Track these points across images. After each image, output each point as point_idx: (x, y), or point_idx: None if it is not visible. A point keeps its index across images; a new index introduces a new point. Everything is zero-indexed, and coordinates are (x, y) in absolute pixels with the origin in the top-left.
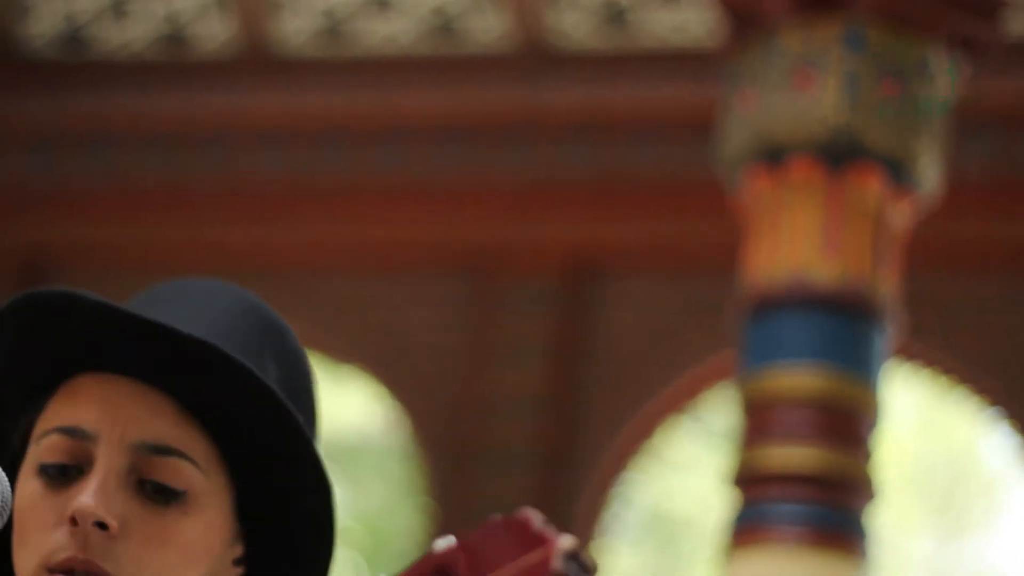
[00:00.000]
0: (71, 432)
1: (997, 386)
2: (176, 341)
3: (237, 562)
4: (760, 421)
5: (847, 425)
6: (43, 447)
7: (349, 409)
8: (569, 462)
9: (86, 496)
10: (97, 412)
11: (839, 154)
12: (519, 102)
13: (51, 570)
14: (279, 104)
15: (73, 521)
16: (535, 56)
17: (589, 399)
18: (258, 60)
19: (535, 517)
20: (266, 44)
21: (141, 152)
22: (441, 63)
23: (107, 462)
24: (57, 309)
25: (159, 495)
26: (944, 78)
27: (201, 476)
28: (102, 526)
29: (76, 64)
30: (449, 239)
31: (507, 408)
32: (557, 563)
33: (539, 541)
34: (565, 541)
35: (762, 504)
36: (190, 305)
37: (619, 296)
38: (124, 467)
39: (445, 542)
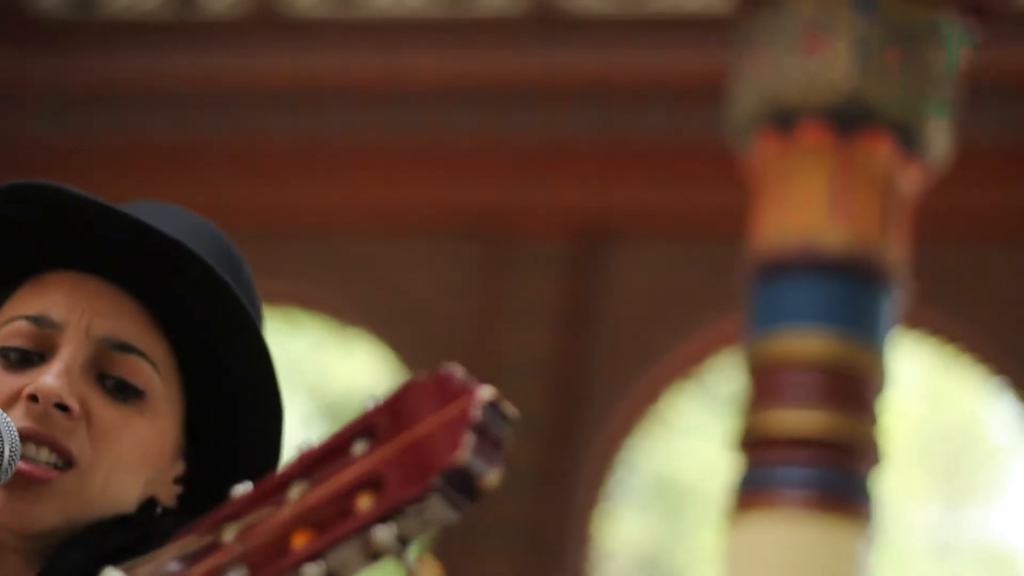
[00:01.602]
0: (37, 320)
1: (1002, 355)
2: (145, 237)
3: (177, 480)
4: (767, 385)
5: (853, 389)
6: (6, 332)
7: (355, 371)
8: (575, 427)
9: (49, 376)
10: (65, 303)
11: (849, 119)
12: (530, 65)
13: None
14: (289, 65)
15: (33, 398)
16: (546, 19)
17: (596, 363)
18: (268, 21)
19: (457, 370)
20: (276, 5)
21: (151, 112)
22: (452, 26)
23: (71, 350)
24: (32, 198)
25: (119, 392)
26: (954, 45)
27: (159, 380)
28: (63, 408)
29: (87, 24)
30: (458, 202)
31: (513, 372)
32: (476, 413)
33: (459, 392)
34: (484, 391)
35: (768, 468)
36: (160, 216)
37: (628, 260)
38: (87, 358)
39: (371, 402)
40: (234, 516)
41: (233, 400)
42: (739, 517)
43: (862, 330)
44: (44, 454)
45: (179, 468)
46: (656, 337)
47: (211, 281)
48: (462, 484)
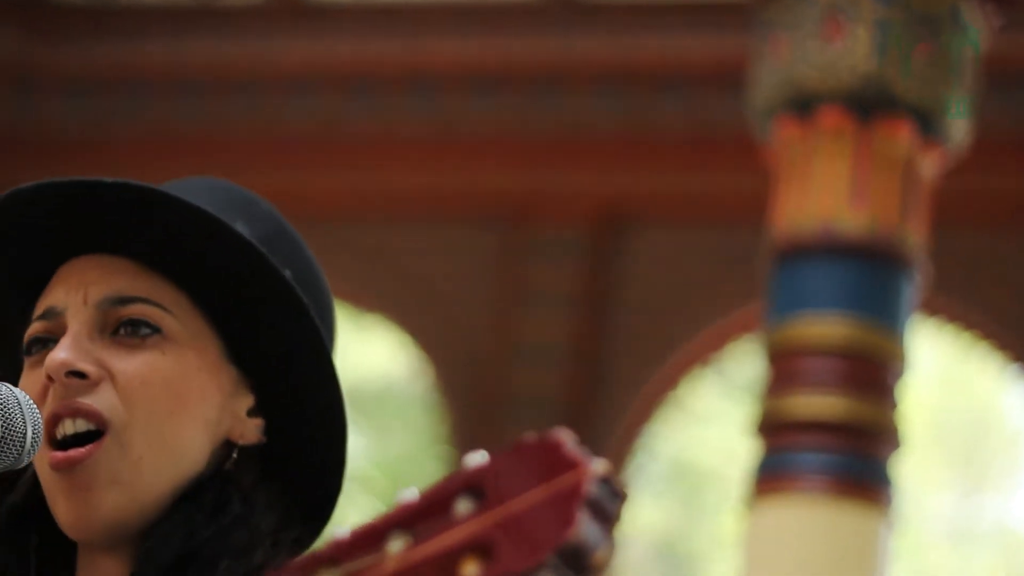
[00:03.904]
0: (45, 315)
1: (1020, 343)
2: (137, 196)
3: (252, 413)
4: (786, 369)
5: (873, 374)
6: (27, 336)
7: (373, 356)
8: (594, 413)
9: (56, 351)
10: (63, 289)
11: (869, 104)
12: (549, 51)
13: (49, 436)
14: (309, 51)
15: (50, 379)
16: (565, 5)
17: (615, 350)
18: (288, 7)
19: (568, 439)
20: None
21: (172, 99)
22: (472, 11)
23: (75, 323)
24: (21, 201)
25: (134, 333)
26: (975, 30)
27: (171, 318)
28: (79, 375)
29: (108, 10)
30: (477, 188)
31: (532, 358)
32: (590, 488)
33: (571, 464)
34: (598, 465)
35: (787, 452)
36: (193, 191)
37: (647, 246)
38: (92, 325)
39: (477, 458)
40: (333, 561)
41: (268, 332)
42: (758, 502)
43: (882, 314)
44: (79, 424)
45: (248, 401)
46: (675, 323)
47: (209, 225)
48: (574, 561)
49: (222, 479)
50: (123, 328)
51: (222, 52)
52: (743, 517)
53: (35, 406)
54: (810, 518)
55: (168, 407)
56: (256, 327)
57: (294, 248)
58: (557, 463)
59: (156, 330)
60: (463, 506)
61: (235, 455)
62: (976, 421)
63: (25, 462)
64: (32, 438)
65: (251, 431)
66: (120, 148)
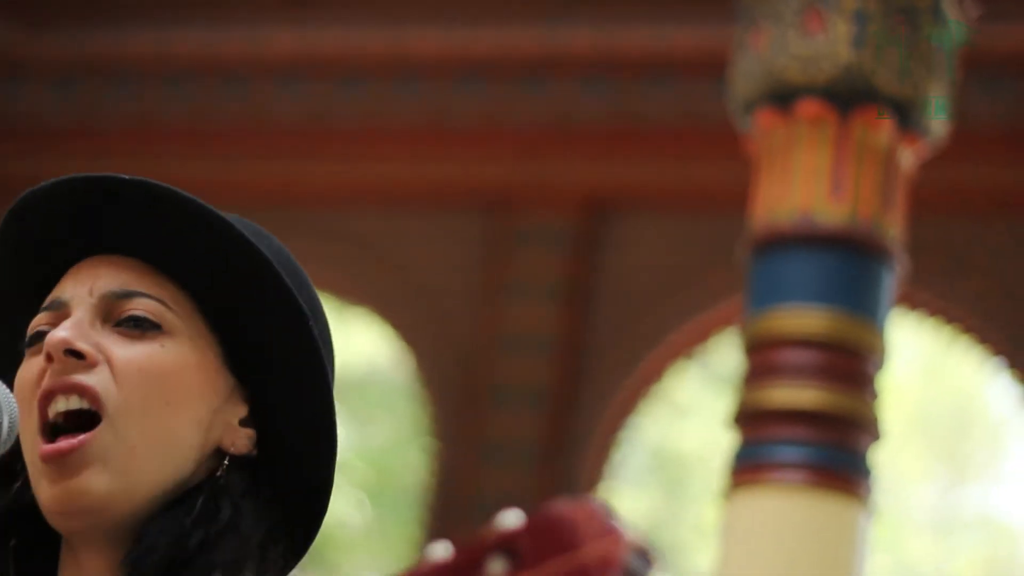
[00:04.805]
0: (50, 306)
1: (1001, 336)
2: (151, 195)
3: (244, 423)
4: (765, 360)
5: (853, 365)
6: (31, 328)
7: (356, 343)
8: (578, 403)
9: (56, 330)
10: (71, 283)
11: (848, 96)
12: (535, 40)
13: (42, 418)
14: (296, 41)
15: (49, 357)
16: None
17: (599, 340)
18: None
19: (602, 507)
20: None
21: (160, 87)
22: (458, 1)
23: (79, 310)
24: (29, 206)
25: (134, 326)
26: (955, 21)
27: (174, 316)
28: (77, 355)
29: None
30: (463, 178)
31: (516, 349)
32: (625, 557)
33: (605, 532)
34: (631, 534)
35: (765, 444)
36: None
37: (633, 236)
38: (95, 314)
39: (512, 519)
40: None
41: (263, 333)
42: (736, 494)
43: (863, 306)
44: (73, 402)
45: (241, 411)
46: (661, 314)
47: (220, 230)
48: None
49: (213, 486)
50: (126, 322)
51: (210, 41)
52: (721, 508)
53: (11, 396)
54: (789, 509)
55: (164, 398)
56: (257, 337)
57: (302, 285)
58: (591, 530)
59: (157, 326)
60: (497, 566)
61: (226, 464)
62: (958, 413)
63: (1, 451)
64: (8, 427)
65: (242, 441)
66: (108, 137)
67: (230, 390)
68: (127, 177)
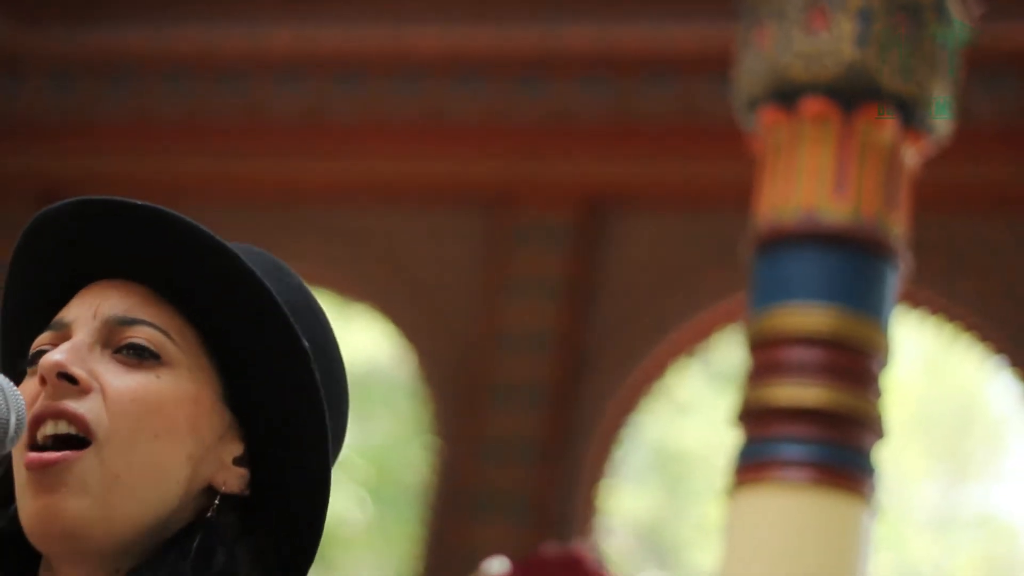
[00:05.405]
0: (53, 326)
1: (1002, 334)
2: (162, 223)
3: (238, 462)
4: (768, 358)
5: (857, 363)
6: (32, 347)
7: (357, 342)
8: (579, 401)
9: (52, 353)
10: (76, 305)
11: (852, 94)
12: (536, 38)
13: (31, 439)
14: (295, 37)
15: (43, 380)
16: None
17: (600, 338)
18: None
19: (590, 553)
20: None
21: (158, 83)
22: None
23: (79, 333)
24: (40, 230)
25: (133, 355)
26: (959, 19)
27: (173, 346)
28: (71, 380)
29: None
30: (463, 175)
31: (517, 346)
32: None
33: None
34: None
35: (769, 442)
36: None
37: (634, 234)
38: (95, 338)
39: (499, 566)
40: None
41: (265, 369)
42: (739, 491)
43: (866, 304)
44: (61, 427)
45: (236, 449)
46: (662, 311)
47: (224, 260)
48: None
49: (206, 527)
50: (125, 349)
51: (208, 38)
52: (725, 506)
53: (18, 392)
54: (792, 507)
55: (154, 430)
56: (257, 375)
57: (316, 324)
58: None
59: (156, 356)
60: None
61: (216, 503)
62: (959, 411)
63: (8, 448)
64: (16, 424)
65: (234, 480)
66: (106, 133)
67: (226, 427)
68: (139, 203)
